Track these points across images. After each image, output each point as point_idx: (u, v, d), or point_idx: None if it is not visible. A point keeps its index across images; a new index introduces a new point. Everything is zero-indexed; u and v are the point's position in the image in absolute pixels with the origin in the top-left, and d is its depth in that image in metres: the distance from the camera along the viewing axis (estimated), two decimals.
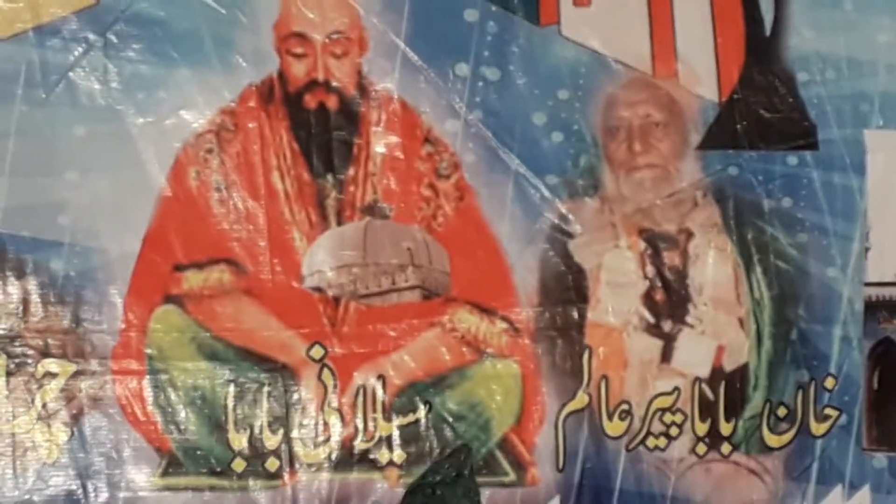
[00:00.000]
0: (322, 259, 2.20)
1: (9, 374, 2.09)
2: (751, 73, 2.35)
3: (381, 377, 2.21)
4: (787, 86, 2.36)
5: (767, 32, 2.38)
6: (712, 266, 2.33)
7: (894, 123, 2.41)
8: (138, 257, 2.15)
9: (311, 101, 2.21)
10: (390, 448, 2.21)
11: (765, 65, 2.36)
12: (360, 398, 2.20)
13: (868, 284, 2.38)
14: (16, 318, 2.11)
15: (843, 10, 2.39)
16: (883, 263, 2.40)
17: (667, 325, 2.30)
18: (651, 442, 2.26)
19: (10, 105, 2.12)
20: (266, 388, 2.18)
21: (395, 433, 2.21)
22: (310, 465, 2.18)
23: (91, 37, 2.16)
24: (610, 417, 2.27)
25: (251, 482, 2.17)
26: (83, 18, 2.16)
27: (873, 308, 2.38)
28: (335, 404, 2.18)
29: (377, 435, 2.20)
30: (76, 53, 2.16)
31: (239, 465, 2.16)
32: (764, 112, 2.35)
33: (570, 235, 2.27)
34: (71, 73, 2.15)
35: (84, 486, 2.13)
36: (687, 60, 2.34)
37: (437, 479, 2.05)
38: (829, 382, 2.33)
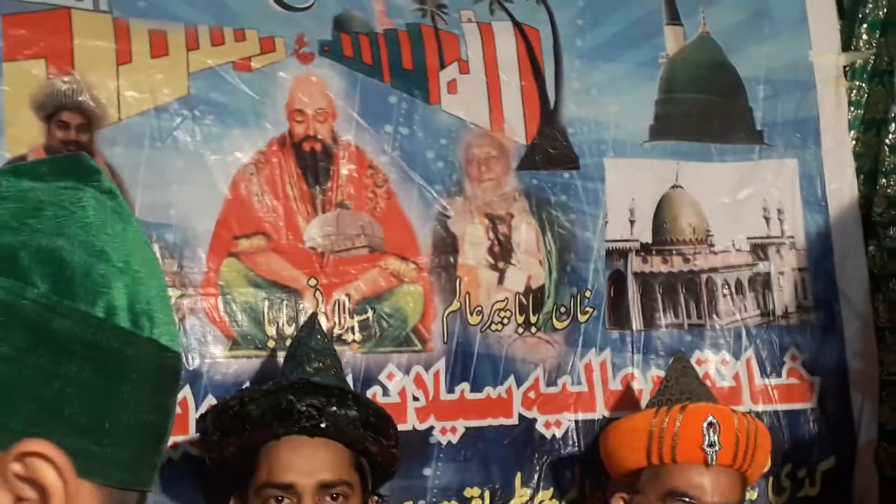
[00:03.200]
0: (314, 232, 2.47)
1: None
2: (543, 128, 2.68)
3: (348, 295, 2.47)
4: (563, 136, 2.70)
5: (552, 107, 2.71)
6: (524, 233, 2.64)
7: (620, 155, 2.76)
8: (213, 232, 2.40)
9: (307, 146, 2.49)
10: (353, 332, 2.48)
11: (550, 124, 2.69)
12: (337, 306, 2.47)
13: (607, 241, 2.71)
14: None
15: (591, 94, 2.74)
16: (614, 229, 2.73)
17: (500, 265, 2.61)
18: (493, 327, 2.59)
19: (142, 150, 2.36)
20: (285, 302, 2.43)
21: (356, 325, 2.48)
22: None
23: (185, 111, 2.39)
24: (471, 314, 2.58)
25: (278, 353, 2.39)
26: (181, 102, 2.41)
27: (610, 253, 2.71)
28: (323, 310, 2.43)
29: (346, 326, 2.46)
30: (177, 121, 2.39)
31: (271, 343, 2.41)
32: (550, 150, 2.68)
33: (448, 217, 2.58)
34: (175, 132, 2.39)
35: (186, 357, 2.33)
36: (509, 122, 2.66)
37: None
38: (588, 294, 2.67)
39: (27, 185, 0.76)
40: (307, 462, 1.98)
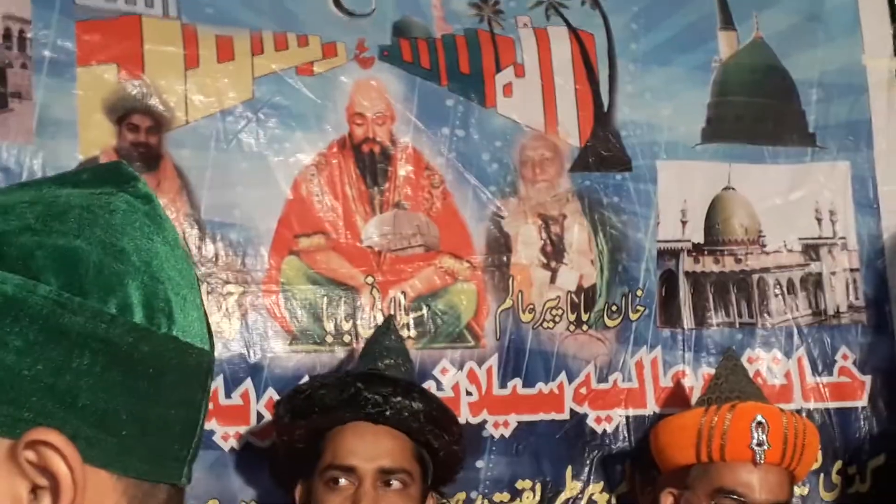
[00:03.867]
0: (372, 231, 2.50)
1: (208, 293, 2.33)
2: (596, 131, 2.67)
3: (403, 292, 2.49)
4: (615, 138, 2.69)
5: (605, 110, 2.69)
6: (577, 233, 2.64)
7: (672, 157, 2.73)
8: (275, 231, 2.42)
9: (366, 148, 2.51)
10: (408, 329, 2.49)
11: (604, 127, 2.68)
12: (393, 303, 2.49)
13: (659, 241, 2.69)
14: (211, 263, 2.35)
15: (644, 97, 2.72)
16: (666, 230, 2.71)
17: (553, 264, 2.61)
18: (545, 325, 2.59)
19: (207, 152, 2.39)
20: (343, 299, 2.45)
21: (411, 321, 2.50)
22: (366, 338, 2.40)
23: (250, 115, 2.42)
24: (523, 312, 2.57)
25: (336, 348, 2.43)
26: (246, 105, 2.43)
27: (661, 253, 2.69)
28: (379, 307, 2.46)
29: (402, 322, 2.47)
30: (242, 124, 2.42)
31: (329, 339, 2.44)
32: (603, 152, 2.68)
33: (502, 217, 2.59)
34: (240, 135, 2.41)
35: (248, 351, 2.38)
36: (563, 124, 2.65)
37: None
38: (639, 293, 2.67)
39: (65, 192, 0.78)
40: (370, 447, 2.02)
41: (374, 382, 2.05)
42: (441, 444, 2.07)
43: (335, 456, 2.04)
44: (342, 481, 2.01)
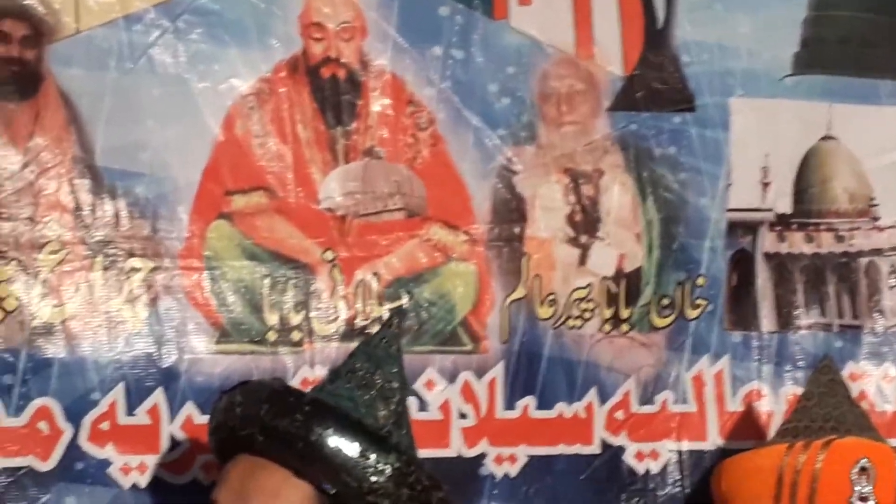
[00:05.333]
0: (333, 188, 2.42)
1: (104, 268, 2.23)
2: (647, 55, 2.59)
3: (376, 274, 2.42)
4: (673, 65, 2.61)
5: (660, 26, 2.60)
6: (617, 196, 2.56)
7: (751, 93, 2.64)
8: (199, 185, 2.33)
9: (326, 73, 2.41)
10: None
11: (657, 50, 2.60)
12: (360, 289, 2.40)
13: (729, 210, 2.62)
14: (110, 228, 2.25)
15: (714, 9, 2.62)
16: (740, 195, 2.63)
17: (583, 238, 2.53)
18: (570, 323, 2.51)
19: (106, 73, 2.27)
20: (292, 281, 2.37)
21: (386, 315, 2.40)
22: (323, 337, 2.36)
23: (165, 23, 2.32)
24: (541, 304, 2.50)
25: (281, 348, 2.34)
26: (159, 10, 2.31)
27: (733, 227, 2.62)
28: (342, 293, 2.38)
29: (372, 315, 2.39)
30: (154, 35, 2.31)
31: (272, 335, 2.35)
32: (656, 84, 2.59)
33: (514, 173, 2.51)
34: (150, 50, 2.31)
35: (159, 350, 2.28)
36: (601, 45, 2.56)
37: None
38: (701, 281, 2.59)
39: None
40: (237, 484, 1.88)
41: (260, 395, 1.92)
42: (346, 491, 1.88)
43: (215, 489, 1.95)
44: None
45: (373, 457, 1.89)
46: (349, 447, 1.89)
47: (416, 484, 1.94)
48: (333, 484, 1.89)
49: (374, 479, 1.90)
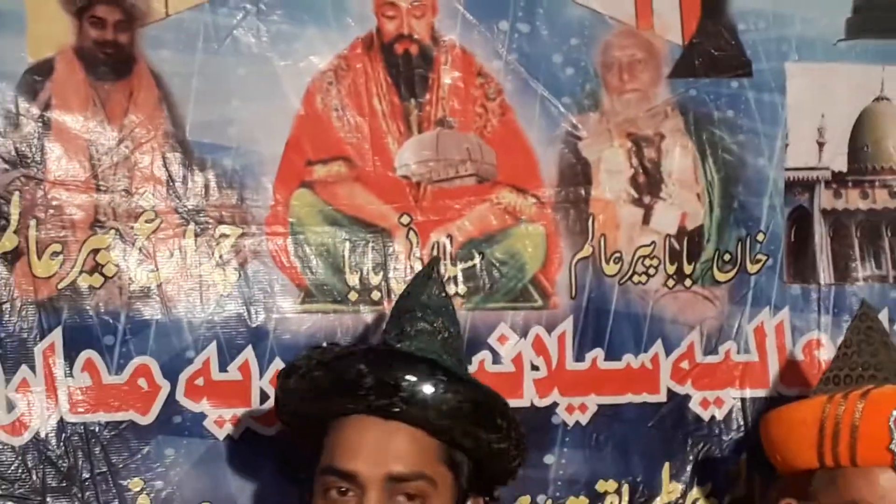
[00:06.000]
0: (408, 156, 2.45)
1: (196, 235, 2.30)
2: (705, 24, 2.60)
3: (449, 236, 2.45)
4: (730, 33, 2.63)
5: None
6: (678, 158, 2.59)
7: (806, 58, 2.65)
8: (282, 157, 2.38)
9: (399, 49, 2.45)
10: (456, 284, 2.45)
11: (714, 19, 2.61)
12: (435, 251, 2.44)
13: (787, 169, 2.64)
14: (200, 198, 2.32)
15: None
16: (797, 154, 2.65)
17: (646, 199, 2.56)
18: (635, 279, 2.54)
19: (194, 54, 2.33)
20: (371, 244, 2.42)
21: (459, 274, 2.46)
22: None
23: (248, 6, 2.36)
24: (607, 262, 2.53)
25: (361, 307, 2.40)
26: None
27: (790, 185, 2.64)
28: (418, 255, 2.43)
29: (447, 275, 2.44)
30: (238, 18, 2.36)
31: (353, 295, 2.40)
32: (714, 51, 2.61)
33: (578, 139, 2.53)
34: (234, 32, 2.35)
35: (248, 310, 2.34)
36: (660, 16, 2.58)
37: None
38: (760, 237, 2.61)
39: None
40: (376, 448, 1.90)
41: (383, 362, 1.93)
42: (475, 444, 1.96)
43: (333, 457, 1.94)
44: (342, 490, 1.91)
45: (472, 403, 1.93)
46: (468, 400, 1.93)
47: (518, 426, 2.02)
48: (463, 436, 1.93)
49: (499, 421, 1.96)
